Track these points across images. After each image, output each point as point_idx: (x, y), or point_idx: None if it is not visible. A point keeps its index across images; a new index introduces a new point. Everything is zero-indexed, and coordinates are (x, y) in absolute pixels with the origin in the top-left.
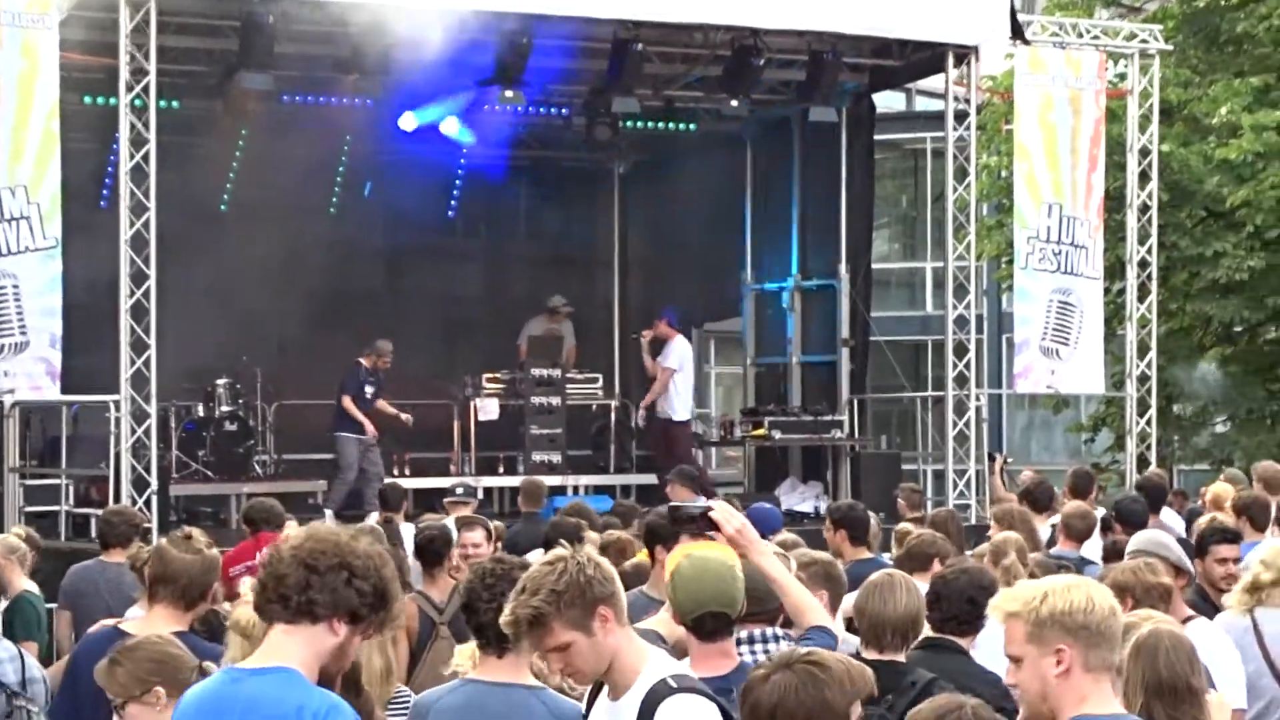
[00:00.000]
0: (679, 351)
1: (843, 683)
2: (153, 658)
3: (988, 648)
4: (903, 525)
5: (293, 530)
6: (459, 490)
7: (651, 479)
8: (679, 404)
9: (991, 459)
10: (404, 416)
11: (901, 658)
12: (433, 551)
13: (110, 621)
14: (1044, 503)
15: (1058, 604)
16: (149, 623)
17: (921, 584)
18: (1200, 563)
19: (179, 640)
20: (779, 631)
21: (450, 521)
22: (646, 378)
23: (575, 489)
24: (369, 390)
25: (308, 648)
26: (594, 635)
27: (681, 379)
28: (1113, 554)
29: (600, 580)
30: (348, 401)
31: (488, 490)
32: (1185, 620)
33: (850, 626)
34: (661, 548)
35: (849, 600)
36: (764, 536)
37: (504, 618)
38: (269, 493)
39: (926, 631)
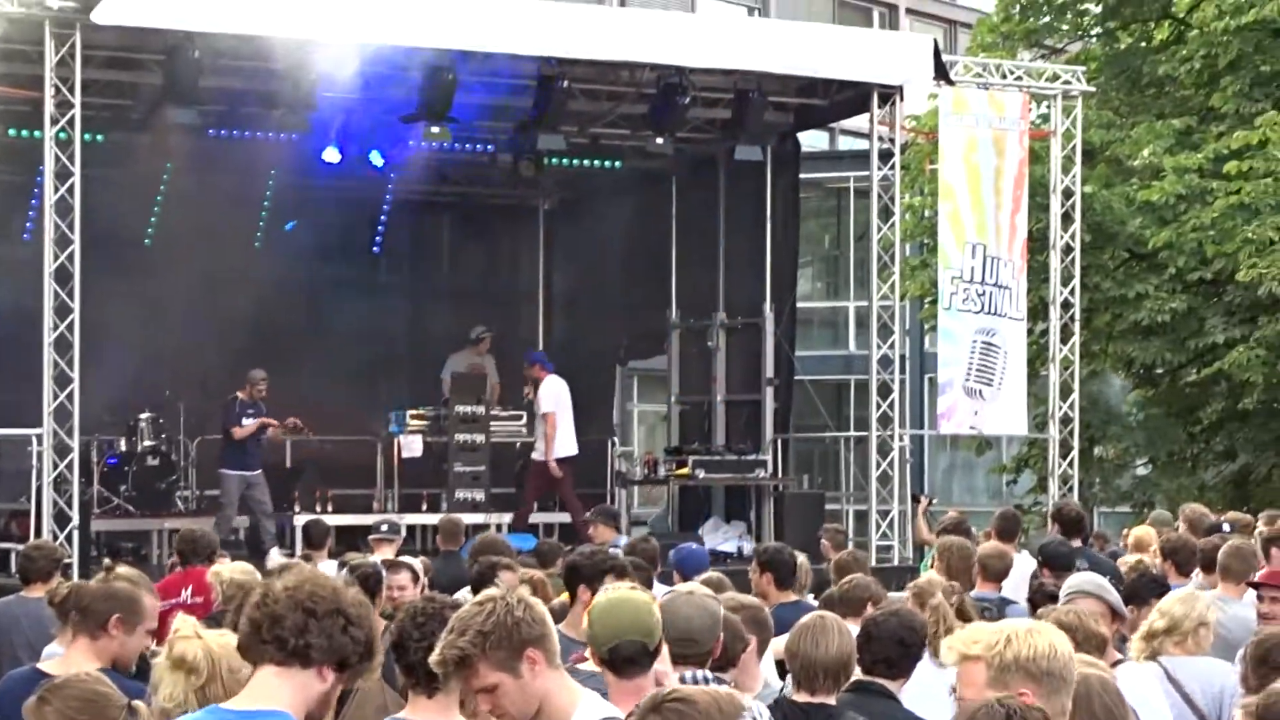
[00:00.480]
0: (552, 392)
1: (711, 716)
2: (81, 696)
3: (914, 690)
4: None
5: (226, 566)
6: (384, 527)
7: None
8: (559, 443)
9: (915, 500)
10: (290, 420)
11: (833, 700)
12: (365, 590)
13: (46, 656)
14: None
15: (1022, 649)
16: (69, 661)
17: (855, 628)
18: (1135, 610)
19: (104, 677)
20: (708, 674)
21: (376, 559)
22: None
23: (499, 527)
24: (249, 421)
25: (299, 693)
26: (522, 677)
27: (560, 418)
28: (1040, 596)
29: (529, 622)
30: (238, 432)
31: (411, 528)
32: (1114, 664)
33: (781, 669)
34: (584, 587)
35: (778, 643)
36: (689, 577)
37: (432, 658)
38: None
39: (856, 674)
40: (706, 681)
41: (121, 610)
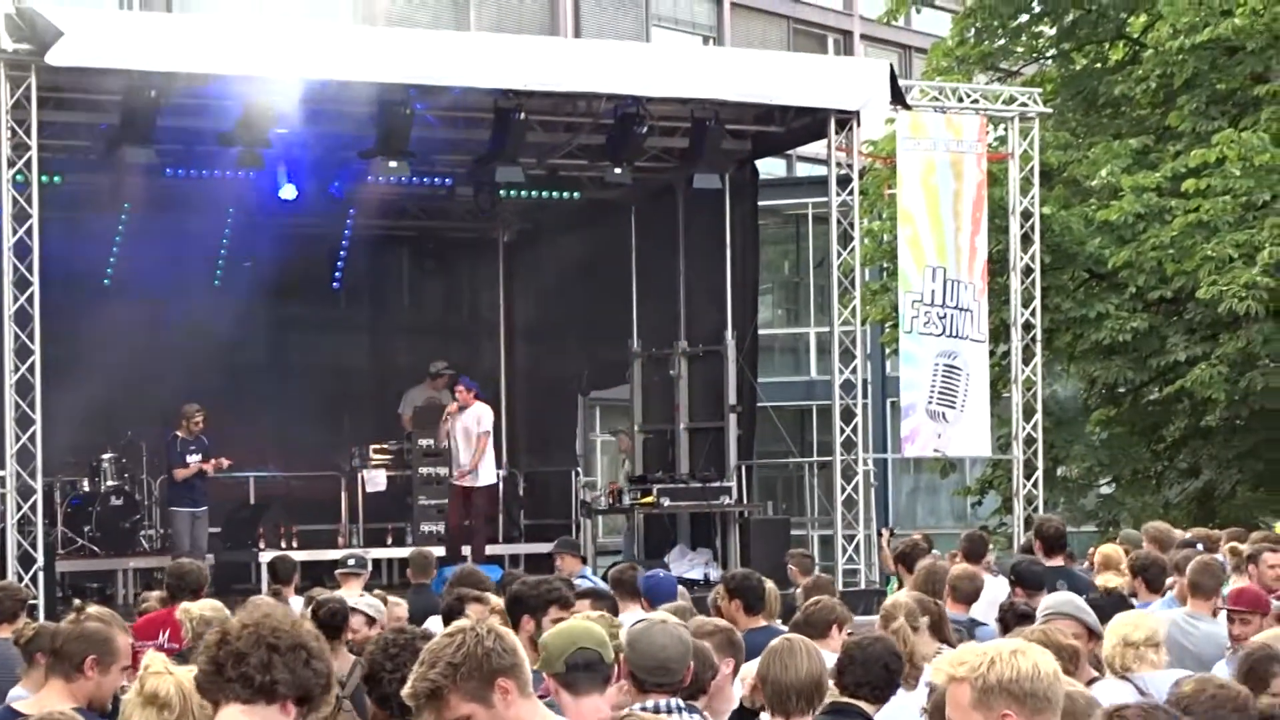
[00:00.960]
0: (490, 416)
1: None
2: None
3: (885, 712)
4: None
5: (195, 604)
6: (350, 561)
7: (545, 548)
8: (486, 469)
9: (879, 534)
10: (223, 462)
11: None
12: (332, 625)
13: (11, 699)
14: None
15: (1005, 671)
16: (43, 700)
17: (823, 650)
18: None
19: (78, 716)
20: (679, 702)
21: (343, 593)
22: (521, 447)
23: (464, 558)
24: (192, 458)
25: None
26: (494, 707)
27: (489, 443)
28: (1010, 616)
29: (500, 652)
30: (179, 474)
31: (376, 562)
32: (1089, 682)
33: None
34: (528, 618)
35: (748, 668)
36: (658, 605)
37: (404, 691)
38: (155, 567)
39: (834, 695)
40: (680, 710)
41: (95, 651)
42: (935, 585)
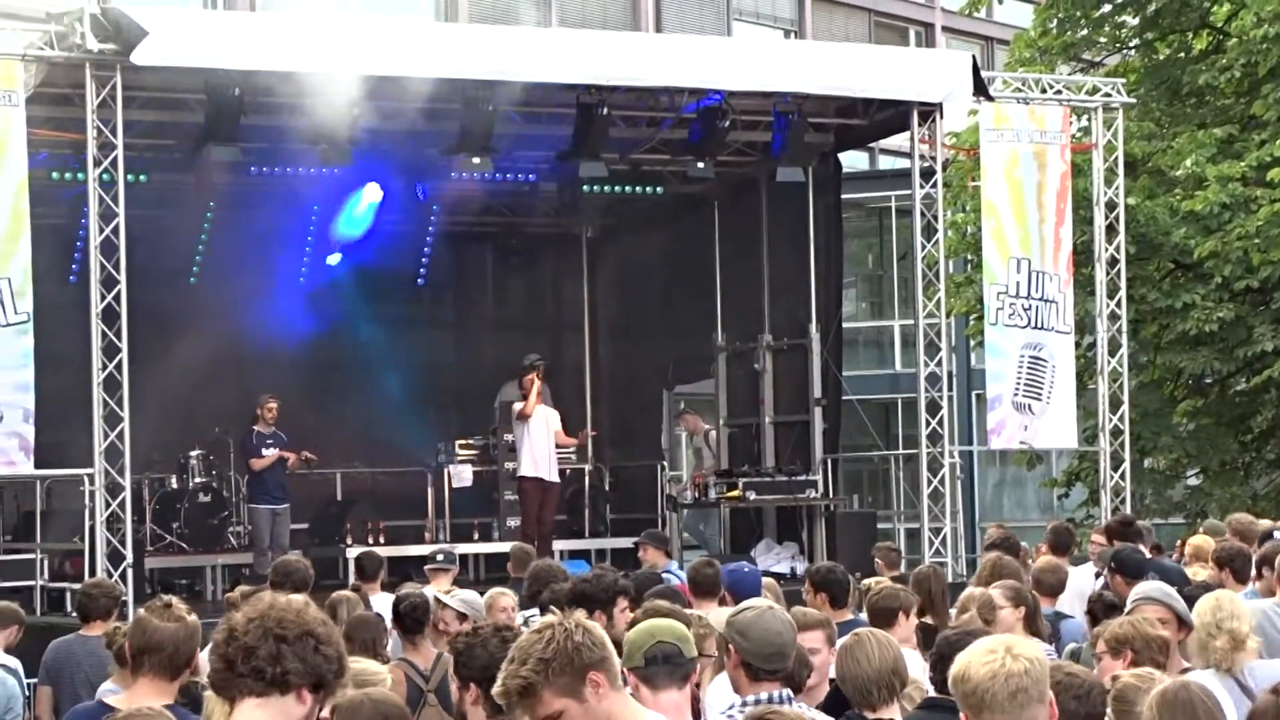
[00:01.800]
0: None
1: None
2: None
3: None
4: (866, 581)
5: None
6: (439, 557)
7: (630, 542)
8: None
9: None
10: (304, 454)
11: (897, 715)
12: (414, 619)
13: (101, 694)
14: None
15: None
16: (135, 696)
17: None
18: None
19: (168, 713)
20: (788, 694)
21: (429, 589)
22: (606, 442)
23: (551, 554)
24: (269, 451)
25: (283, 719)
26: (586, 701)
27: None
28: (1099, 607)
29: (589, 646)
30: (255, 464)
31: (463, 557)
32: (1182, 672)
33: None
34: (599, 612)
35: None
36: (742, 599)
37: (495, 689)
38: (242, 563)
39: (928, 691)
40: (785, 701)
41: (200, 647)
42: (1003, 578)
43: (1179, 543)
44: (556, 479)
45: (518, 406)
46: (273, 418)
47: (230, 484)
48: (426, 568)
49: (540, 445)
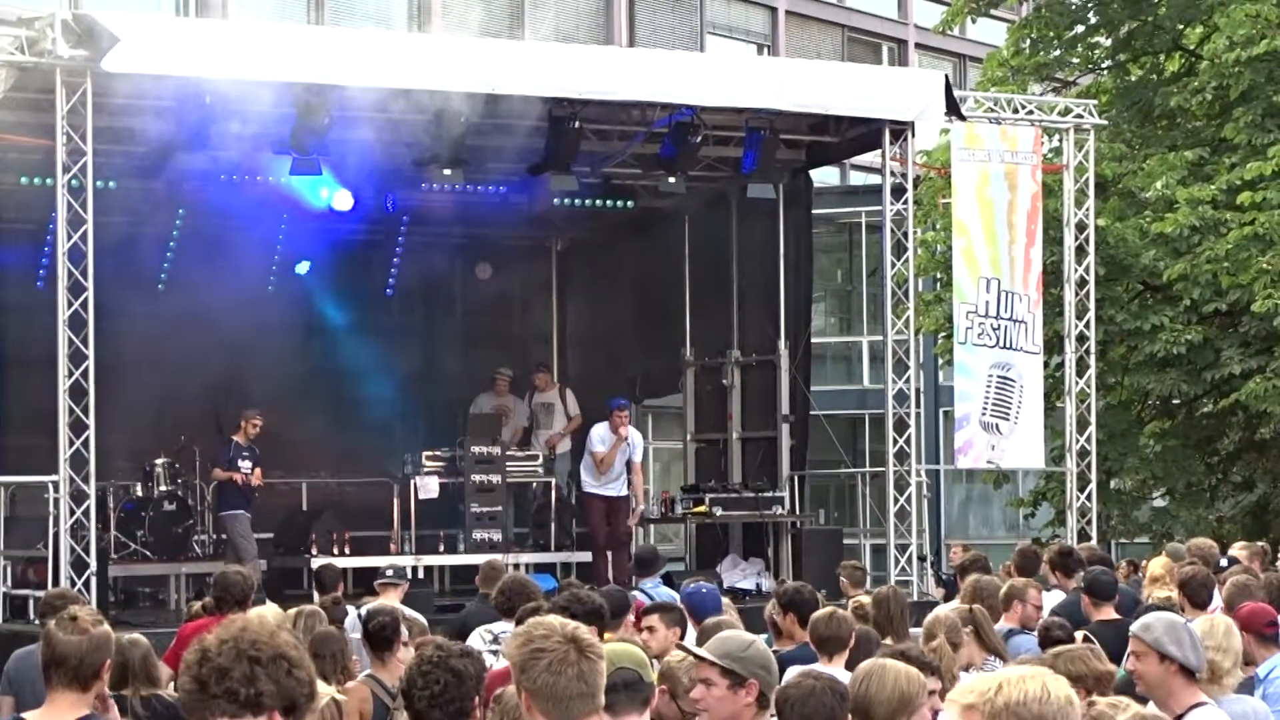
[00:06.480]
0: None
1: None
2: None
3: None
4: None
5: (258, 609)
6: (389, 572)
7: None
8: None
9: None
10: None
11: None
12: (383, 638)
13: (33, 711)
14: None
15: (1013, 695)
16: (47, 712)
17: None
18: None
19: None
20: None
21: (385, 601)
22: (574, 455)
23: (516, 566)
24: (244, 464)
25: None
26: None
27: None
28: (1049, 639)
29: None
30: (219, 474)
31: (428, 569)
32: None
33: None
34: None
35: None
36: (702, 620)
37: None
38: (207, 572)
39: None
40: None
41: (109, 656)
42: (983, 599)
43: (1143, 564)
44: (624, 492)
45: (599, 449)
46: (254, 434)
47: (196, 492)
48: (376, 583)
49: (612, 466)
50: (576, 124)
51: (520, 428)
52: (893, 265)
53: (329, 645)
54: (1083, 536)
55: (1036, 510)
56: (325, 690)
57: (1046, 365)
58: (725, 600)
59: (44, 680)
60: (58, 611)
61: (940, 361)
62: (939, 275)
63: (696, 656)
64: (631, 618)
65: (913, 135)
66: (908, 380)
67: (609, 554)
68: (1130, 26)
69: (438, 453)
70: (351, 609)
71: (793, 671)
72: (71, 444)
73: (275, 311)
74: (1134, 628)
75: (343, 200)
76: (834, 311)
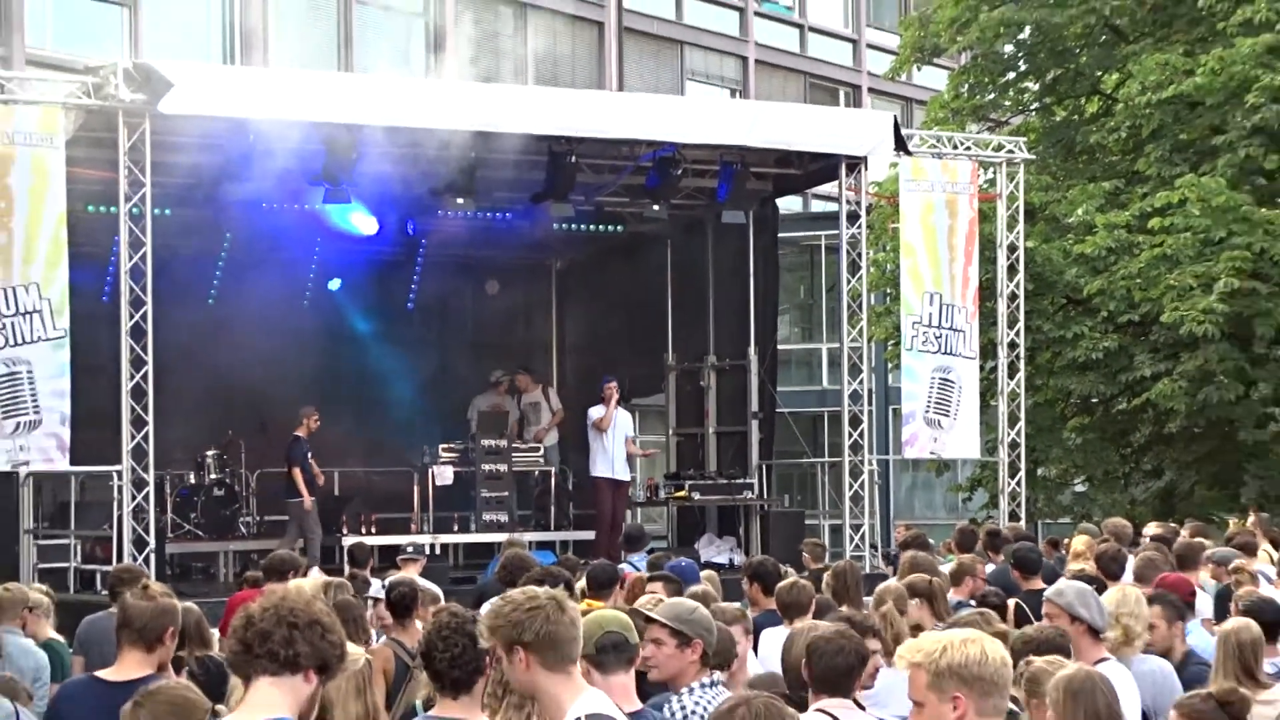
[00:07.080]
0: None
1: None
2: (172, 701)
3: (888, 693)
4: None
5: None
6: (410, 549)
7: (588, 535)
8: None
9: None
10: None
11: None
12: (403, 605)
13: (104, 669)
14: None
15: (955, 656)
16: (118, 669)
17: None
18: None
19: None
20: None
21: (404, 576)
22: (571, 446)
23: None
24: (311, 458)
25: (293, 696)
26: (514, 667)
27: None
28: (981, 600)
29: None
30: (298, 473)
31: (444, 546)
32: (1097, 662)
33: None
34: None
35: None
36: (683, 589)
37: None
38: (252, 549)
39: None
40: (713, 685)
41: (174, 623)
42: (919, 570)
43: (1065, 542)
44: (627, 478)
45: (596, 417)
46: (315, 429)
47: (241, 480)
48: (399, 558)
49: (614, 447)
50: (573, 158)
51: (514, 423)
52: (849, 282)
53: (349, 611)
54: (1013, 517)
55: (973, 495)
56: (357, 651)
57: (982, 369)
58: (710, 573)
59: (115, 642)
60: (125, 584)
61: (890, 365)
62: (889, 290)
63: (648, 619)
64: (620, 588)
65: (866, 168)
66: (861, 382)
67: (612, 532)
68: (1055, 73)
69: (452, 445)
70: (376, 580)
71: (768, 634)
72: (133, 438)
73: (310, 323)
74: (1048, 593)
75: (369, 225)
76: (797, 322)
